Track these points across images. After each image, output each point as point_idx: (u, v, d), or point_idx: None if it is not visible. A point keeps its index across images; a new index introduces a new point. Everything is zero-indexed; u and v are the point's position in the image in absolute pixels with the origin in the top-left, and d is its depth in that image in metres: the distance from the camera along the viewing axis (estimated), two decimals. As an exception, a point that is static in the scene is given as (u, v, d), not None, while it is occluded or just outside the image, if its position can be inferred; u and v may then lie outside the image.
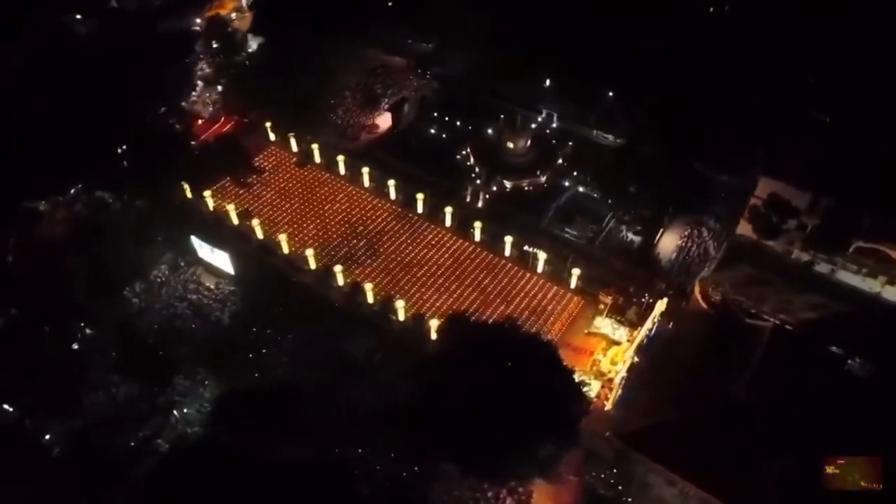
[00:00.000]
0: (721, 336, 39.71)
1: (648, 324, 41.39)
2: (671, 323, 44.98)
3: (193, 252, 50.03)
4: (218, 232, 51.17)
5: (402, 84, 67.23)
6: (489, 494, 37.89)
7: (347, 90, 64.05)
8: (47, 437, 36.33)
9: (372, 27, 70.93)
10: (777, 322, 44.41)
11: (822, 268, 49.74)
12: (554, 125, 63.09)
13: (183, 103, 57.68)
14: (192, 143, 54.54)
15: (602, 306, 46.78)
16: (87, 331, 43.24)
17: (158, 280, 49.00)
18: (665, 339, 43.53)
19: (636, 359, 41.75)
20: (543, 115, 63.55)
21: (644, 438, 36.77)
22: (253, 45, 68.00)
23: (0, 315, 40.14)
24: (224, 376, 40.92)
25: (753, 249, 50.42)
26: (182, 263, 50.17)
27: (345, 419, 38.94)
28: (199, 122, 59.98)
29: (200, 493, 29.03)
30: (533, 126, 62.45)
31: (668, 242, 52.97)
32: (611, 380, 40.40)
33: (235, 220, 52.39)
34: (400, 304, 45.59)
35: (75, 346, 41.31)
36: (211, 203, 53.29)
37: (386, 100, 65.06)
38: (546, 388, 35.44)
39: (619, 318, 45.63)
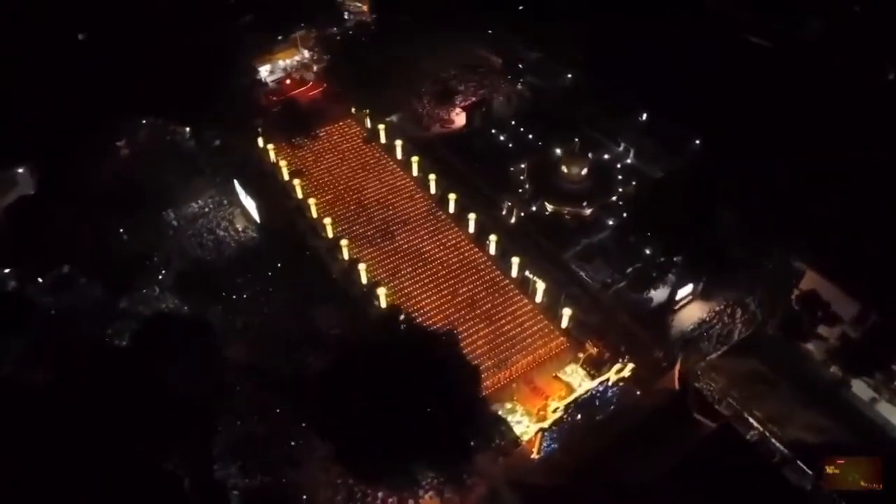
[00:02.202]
0: (660, 420, 35.74)
1: (594, 384, 38.39)
2: (638, 391, 41.30)
3: (237, 194, 54.97)
4: (267, 183, 55.79)
5: (494, 85, 67.33)
6: (379, 495, 38.10)
7: (437, 81, 65.53)
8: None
9: (490, 26, 72.03)
10: (760, 430, 39.04)
11: (862, 391, 42.34)
12: (627, 161, 59.40)
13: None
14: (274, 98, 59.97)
15: (581, 355, 44.28)
16: (125, 237, 49.95)
17: (202, 211, 54.67)
18: (619, 406, 40.04)
19: (578, 416, 39.04)
20: (621, 147, 60.09)
21: (534, 496, 34.57)
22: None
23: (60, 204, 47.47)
24: (201, 306, 44.96)
25: (781, 346, 44.08)
26: (225, 202, 55.42)
27: (278, 380, 40.99)
28: (288, 82, 65.11)
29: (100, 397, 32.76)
30: (606, 157, 59.51)
31: (692, 312, 48.16)
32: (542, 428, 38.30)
33: (286, 177, 56.64)
34: (381, 292, 46.63)
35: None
36: (273, 156, 58.11)
37: (472, 97, 65.60)
38: (450, 413, 34.73)
39: (592, 371, 42.88)
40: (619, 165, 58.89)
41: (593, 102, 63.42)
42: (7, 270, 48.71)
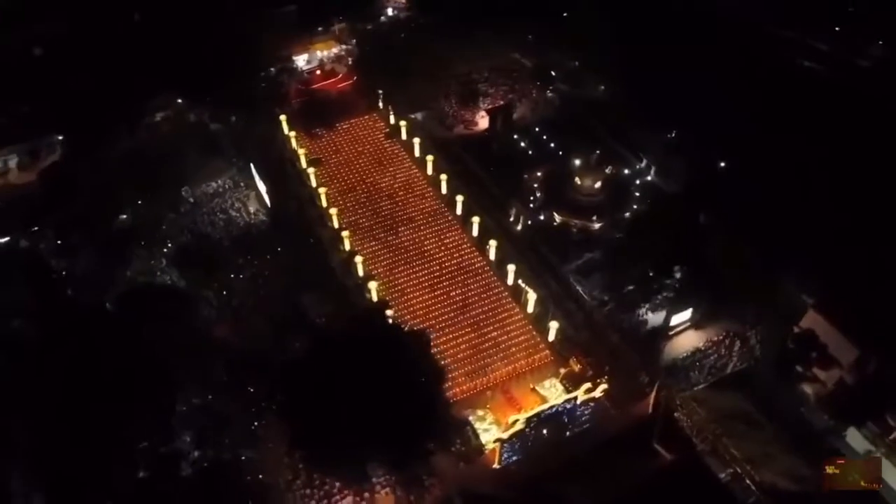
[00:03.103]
0: (625, 445, 34.72)
1: (559, 400, 37.62)
2: (620, 412, 40.21)
3: (254, 178, 56.56)
4: (285, 169, 57.17)
5: (524, 90, 66.68)
6: (337, 485, 38.45)
7: (465, 82, 65.40)
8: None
9: (528, 31, 71.41)
10: (734, 469, 37.36)
11: (857, 442, 39.86)
12: (648, 178, 57.70)
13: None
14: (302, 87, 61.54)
15: (563, 370, 43.47)
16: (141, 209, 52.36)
17: (219, 190, 56.51)
18: (592, 425, 39.08)
19: (544, 431, 38.36)
20: (643, 163, 58.45)
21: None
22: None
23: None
24: (200, 282, 46.58)
25: (773, 385, 41.95)
26: (241, 184, 57.10)
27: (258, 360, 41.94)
28: (318, 72, 66.30)
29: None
30: (626, 172, 58.04)
31: (687, 340, 46.43)
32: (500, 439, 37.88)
33: (303, 164, 57.84)
34: (373, 285, 47.06)
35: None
36: (294, 143, 59.47)
37: (500, 101, 65.19)
38: (410, 413, 34.74)
39: (570, 387, 41.99)
40: (637, 182, 57.31)
41: (622, 115, 61.98)
42: (34, 229, 51.94)
